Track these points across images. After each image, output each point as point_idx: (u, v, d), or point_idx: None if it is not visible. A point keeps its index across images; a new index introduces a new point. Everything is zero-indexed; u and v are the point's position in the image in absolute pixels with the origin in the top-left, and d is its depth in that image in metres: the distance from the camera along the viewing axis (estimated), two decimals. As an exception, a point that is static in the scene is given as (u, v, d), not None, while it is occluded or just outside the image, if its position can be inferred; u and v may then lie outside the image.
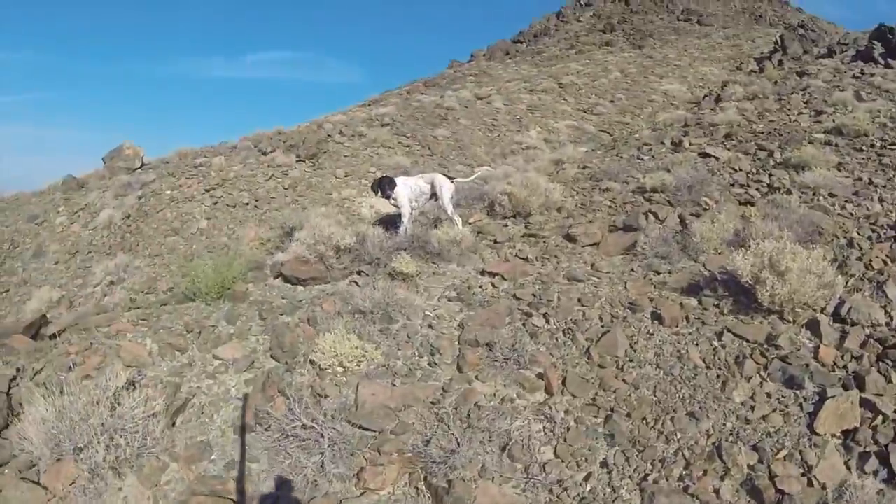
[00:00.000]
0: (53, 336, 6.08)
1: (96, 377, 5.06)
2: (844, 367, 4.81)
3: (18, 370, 5.53)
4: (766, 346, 5.08)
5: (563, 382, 5.00)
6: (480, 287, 6.39)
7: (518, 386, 5.02)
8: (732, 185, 8.28)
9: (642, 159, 9.81)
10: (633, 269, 6.51)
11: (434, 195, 7.72)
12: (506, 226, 7.93)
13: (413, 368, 5.27)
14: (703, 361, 5.04)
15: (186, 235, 12.90)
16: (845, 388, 4.61)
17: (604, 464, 4.30)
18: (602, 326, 5.59)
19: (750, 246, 5.69)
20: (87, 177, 16.48)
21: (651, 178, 8.16)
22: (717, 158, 9.16)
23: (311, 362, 5.30)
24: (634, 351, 5.25)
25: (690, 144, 9.98)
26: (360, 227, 7.70)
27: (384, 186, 7.49)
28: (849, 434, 4.26)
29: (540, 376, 5.06)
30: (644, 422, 4.55)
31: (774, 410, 4.48)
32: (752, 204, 7.28)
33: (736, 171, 8.70)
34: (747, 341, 5.18)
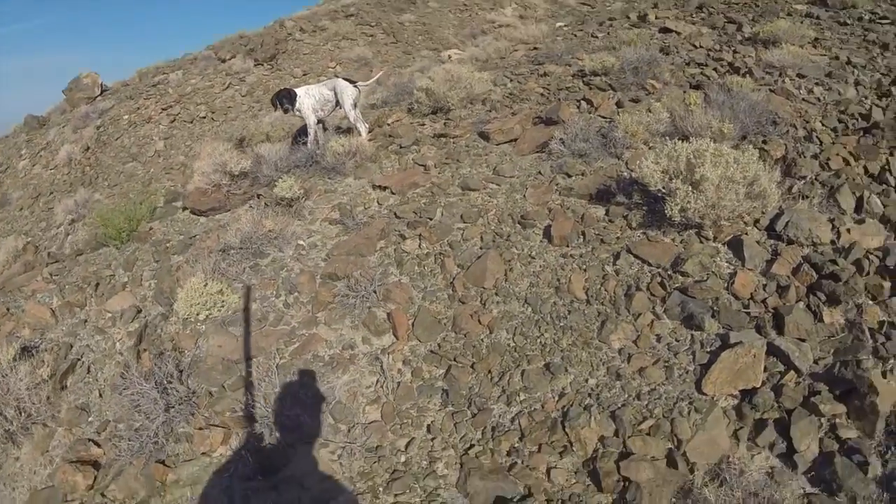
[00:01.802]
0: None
1: (4, 346, 4.26)
2: (764, 301, 3.27)
3: (-54, 341, 4.86)
4: (670, 273, 3.56)
5: (413, 324, 3.75)
6: (364, 205, 4.97)
7: (365, 328, 3.81)
8: (688, 64, 6.08)
9: (596, 37, 7.50)
10: (540, 172, 4.85)
11: (339, 102, 6.09)
12: (422, 125, 6.21)
13: (267, 312, 4.12)
14: (586, 294, 3.61)
15: (144, 160, 11.41)
16: (758, 330, 3.13)
17: (430, 428, 3.18)
18: (480, 249, 4.15)
19: (665, 145, 3.91)
20: (49, 113, 14.73)
21: (592, 59, 6.09)
22: (678, 33, 6.83)
23: (168, 315, 4.28)
24: (507, 281, 3.85)
25: (656, 18, 7.51)
26: (261, 146, 6.24)
27: (282, 100, 5.88)
28: (746, 395, 2.87)
29: (399, 313, 3.84)
30: (489, 376, 3.30)
31: (657, 362, 3.09)
32: (700, 88, 5.22)
33: (695, 48, 6.41)
34: (648, 265, 3.67)
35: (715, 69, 5.77)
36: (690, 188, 3.66)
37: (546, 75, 6.41)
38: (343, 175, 5.53)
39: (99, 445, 3.56)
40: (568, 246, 3.98)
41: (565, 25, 9.23)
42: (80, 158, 11.25)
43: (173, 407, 3.51)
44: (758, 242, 3.62)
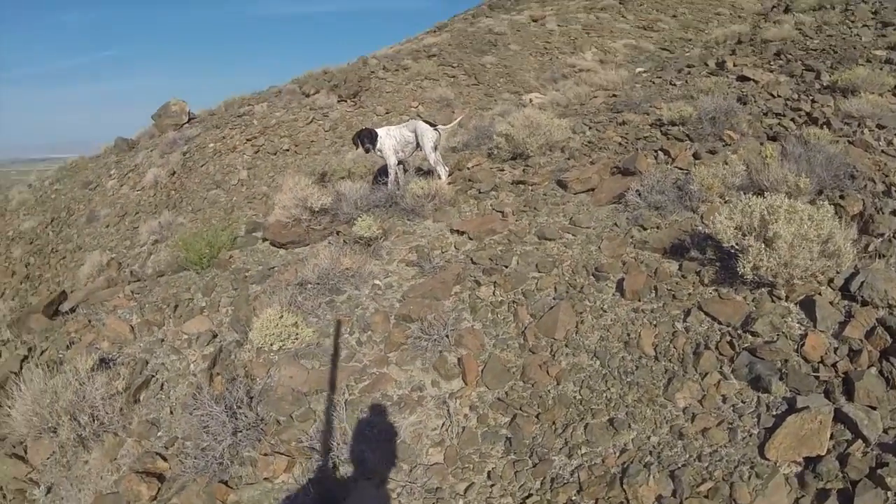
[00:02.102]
0: (68, 312, 6.45)
1: (84, 356, 5.24)
2: (834, 364, 3.53)
3: (30, 350, 5.92)
4: (739, 332, 3.90)
5: (483, 371, 4.25)
6: (442, 249, 5.63)
7: (435, 371, 4.35)
8: (766, 114, 6.40)
9: (674, 85, 7.98)
10: (616, 223, 5.33)
11: (419, 144, 6.90)
12: (501, 170, 6.85)
13: (340, 348, 4.82)
14: (655, 350, 3.98)
15: (227, 188, 12.77)
16: (827, 395, 3.40)
17: (490, 474, 3.59)
18: (553, 299, 4.63)
19: (739, 200, 4.32)
20: (138, 137, 16.61)
21: (670, 109, 6.56)
22: (755, 82, 7.17)
23: (242, 343, 5.07)
24: (577, 333, 4.29)
25: (734, 66, 7.88)
26: (342, 184, 7.14)
27: (364, 139, 6.71)
28: (810, 463, 3.14)
29: (470, 359, 4.38)
30: (553, 427, 3.71)
31: (720, 423, 3.42)
32: (777, 139, 5.58)
33: (773, 97, 6.72)
34: (719, 323, 4.00)
35: (793, 119, 6.08)
36: (763, 245, 4.03)
37: (624, 124, 6.94)
38: (422, 217, 6.22)
39: (165, 459, 4.18)
40: (640, 300, 4.40)
41: (645, 71, 9.78)
42: (165, 182, 12.81)
43: (241, 431, 4.09)
44: (831, 303, 3.86)
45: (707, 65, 8.25)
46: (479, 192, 6.36)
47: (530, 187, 6.25)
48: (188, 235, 6.94)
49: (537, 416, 3.84)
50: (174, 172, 13.06)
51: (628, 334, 4.16)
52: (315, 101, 14.64)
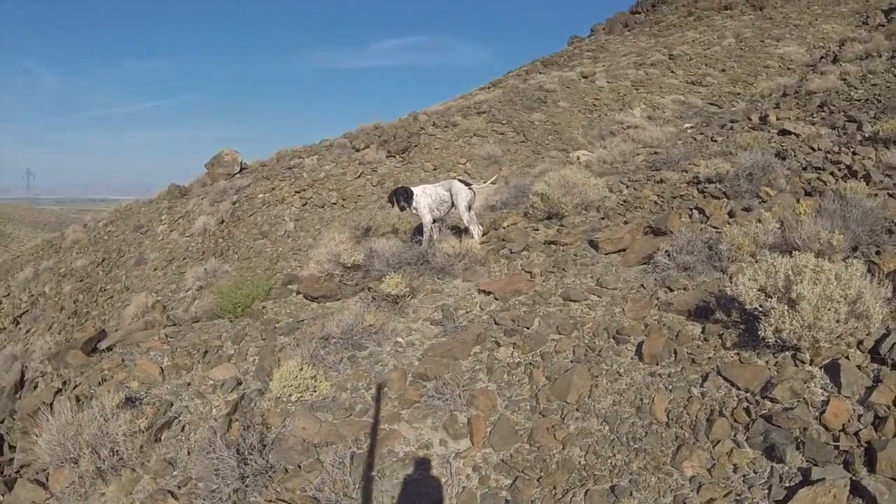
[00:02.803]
0: (105, 350, 7.16)
1: (112, 393, 5.86)
2: (857, 433, 3.50)
3: (65, 383, 6.61)
4: (758, 398, 3.94)
5: (491, 432, 4.39)
6: (467, 308, 5.93)
7: (444, 431, 4.54)
8: (805, 168, 6.42)
9: (715, 141, 8.13)
10: (643, 285, 5.48)
11: (454, 203, 7.34)
12: (536, 230, 7.14)
13: (355, 402, 5.09)
14: (667, 416, 4.05)
15: (274, 238, 13.59)
16: (846, 466, 3.38)
17: (484, 540, 3.74)
18: (571, 362, 4.78)
19: (765, 260, 4.43)
20: (191, 184, 18.00)
21: (707, 166, 6.72)
22: (797, 135, 7.21)
23: (263, 392, 5.49)
24: (590, 397, 4.42)
25: (777, 119, 7.96)
26: (376, 241, 7.65)
27: (399, 197, 7.18)
28: (822, 541, 3.14)
29: (479, 419, 4.58)
30: (553, 491, 3.79)
31: (728, 494, 3.43)
32: (814, 194, 5.63)
33: (813, 150, 6.73)
34: (737, 388, 4.04)
35: (832, 173, 6.09)
36: (787, 307, 4.09)
37: (662, 182, 7.14)
38: (452, 276, 6.54)
39: (176, 498, 4.49)
40: (658, 364, 4.49)
41: (691, 127, 10.00)
42: (214, 230, 13.84)
43: (248, 477, 4.39)
44: (858, 367, 3.83)
45: (750, 119, 8.37)
46: (511, 252, 6.67)
47: (562, 247, 6.51)
48: (225, 285, 7.57)
49: (538, 480, 3.93)
50: (223, 221, 14.09)
51: (641, 399, 4.25)
52: (364, 156, 15.56)
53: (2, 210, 78.14)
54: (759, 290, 4.31)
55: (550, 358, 4.93)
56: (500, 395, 4.76)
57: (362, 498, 4.19)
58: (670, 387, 4.28)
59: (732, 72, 19.79)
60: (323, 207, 13.97)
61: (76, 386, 6.45)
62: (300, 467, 4.59)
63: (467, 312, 5.86)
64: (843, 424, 3.59)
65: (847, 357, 3.98)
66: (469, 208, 7.18)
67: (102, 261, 14.30)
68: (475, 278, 6.40)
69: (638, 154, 8.82)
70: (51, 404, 6.11)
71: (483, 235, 7.44)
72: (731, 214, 5.98)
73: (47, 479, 5.08)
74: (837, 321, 3.99)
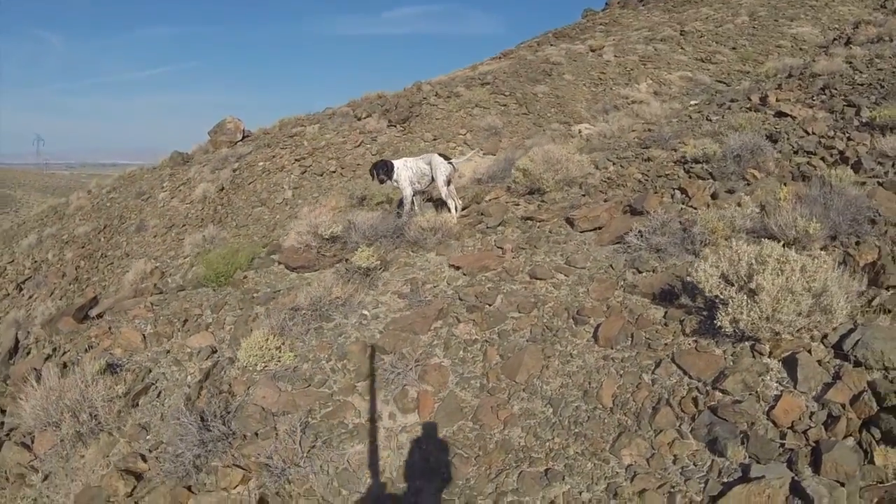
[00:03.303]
0: (95, 317, 7.14)
1: (93, 360, 5.84)
2: (805, 432, 3.28)
3: (55, 349, 6.62)
4: (709, 388, 3.71)
5: (438, 408, 4.25)
6: (434, 283, 5.73)
7: (395, 404, 4.43)
8: (796, 152, 6.02)
9: (710, 120, 7.68)
10: (611, 265, 5.21)
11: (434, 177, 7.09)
12: (517, 205, 6.86)
13: (314, 373, 4.96)
14: (613, 402, 3.85)
15: (272, 206, 13.37)
16: (790, 465, 3.16)
17: (417, 512, 3.60)
18: (527, 341, 4.59)
19: (728, 247, 4.13)
20: (194, 151, 17.73)
21: (695, 146, 6.34)
22: (793, 118, 6.76)
23: (233, 360, 5.41)
24: (539, 378, 4.22)
25: (777, 101, 7.47)
26: (354, 213, 7.44)
27: (379, 170, 6.99)
28: (752, 542, 2.93)
29: (428, 394, 4.41)
30: (487, 471, 3.66)
31: (662, 486, 3.26)
32: (802, 179, 5.24)
33: (807, 134, 6.29)
34: (689, 377, 3.83)
35: (823, 158, 5.71)
36: (746, 297, 3.83)
37: (649, 160, 6.78)
38: (426, 250, 6.35)
39: (146, 461, 4.53)
40: (612, 348, 4.27)
41: (696, 104, 9.53)
42: (214, 197, 13.67)
43: (209, 443, 4.38)
44: (819, 362, 3.60)
45: (750, 99, 7.89)
46: (487, 227, 6.43)
47: (538, 223, 6.25)
48: (212, 254, 7.48)
49: (476, 458, 3.81)
50: (223, 188, 13.92)
51: (590, 383, 4.06)
52: (365, 125, 15.27)
53: (12, 175, 78.65)
54: (720, 277, 4.03)
55: (507, 336, 4.74)
56: (453, 371, 4.60)
57: (308, 466, 4.10)
58: (621, 372, 4.08)
59: (743, 50, 19.00)
60: (322, 175, 13.75)
61: (65, 353, 6.47)
62: (257, 435, 4.55)
63: (434, 287, 5.68)
64: (793, 421, 3.37)
65: (809, 351, 3.74)
66: (448, 182, 6.94)
67: (104, 227, 14.31)
68: (448, 252, 6.20)
69: (633, 130, 8.40)
70: (39, 370, 6.14)
71: (464, 209, 7.20)
72: (713, 196, 5.66)
73: (32, 442, 5.13)
74: (799, 314, 3.72)
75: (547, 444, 3.74)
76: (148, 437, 4.83)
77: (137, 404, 5.27)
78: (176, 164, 16.83)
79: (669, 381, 3.86)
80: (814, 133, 6.32)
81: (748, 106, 7.74)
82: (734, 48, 19.25)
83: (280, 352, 5.22)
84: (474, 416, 4.13)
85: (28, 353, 6.60)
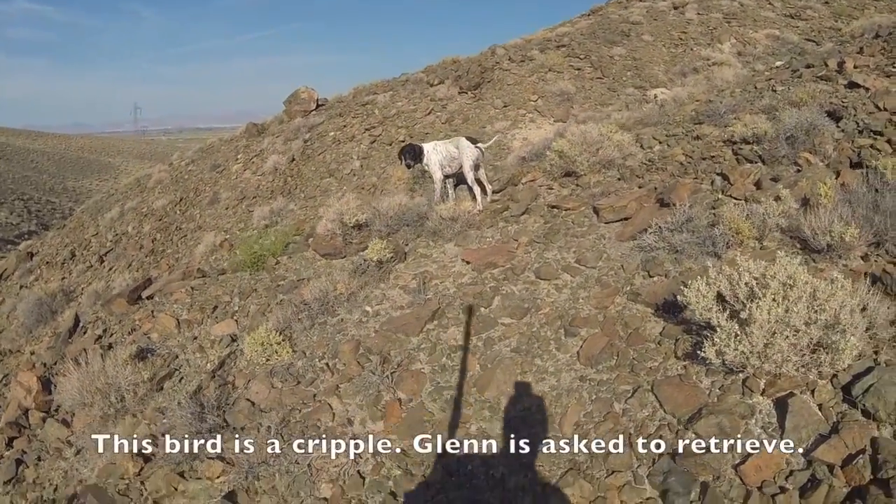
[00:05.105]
0: (145, 299, 7.79)
1: (126, 344, 6.44)
2: (775, 496, 2.84)
3: (105, 330, 7.36)
4: (680, 428, 3.32)
5: (402, 418, 4.19)
6: (440, 279, 5.56)
7: (367, 410, 4.41)
8: (861, 132, 4.98)
9: (775, 91, 6.54)
10: (623, 266, 4.75)
11: None
12: (550, 188, 6.42)
13: (305, 372, 5.05)
14: (573, 431, 3.54)
15: (340, 177, 13.47)
16: (745, 536, 2.76)
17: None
18: (511, 352, 4.36)
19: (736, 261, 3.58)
20: (268, 123, 17.96)
21: (745, 123, 5.49)
22: (865, 90, 5.54)
23: (243, 352, 5.66)
24: (507, 396, 3.98)
25: (855, 67, 6.15)
26: (380, 199, 7.36)
27: (406, 156, 6.82)
28: None
29: (398, 403, 4.35)
30: (429, 494, 3.56)
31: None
32: (866, 167, 4.33)
33: (879, 109, 5.13)
34: (664, 411, 3.45)
35: (889, 141, 4.71)
36: (737, 327, 3.33)
37: (698, 138, 6.01)
38: (445, 240, 6.19)
39: (156, 445, 4.89)
40: (593, 367, 3.92)
41: (780, 66, 8.26)
42: (284, 168, 14.06)
43: (203, 433, 4.65)
44: (821, 406, 3.11)
45: (826, 65, 6.60)
46: (510, 216, 6.11)
47: (564, 212, 5.83)
48: (249, 237, 7.85)
49: (422, 477, 3.73)
50: (293, 159, 14.23)
51: (556, 407, 3.78)
52: (436, 93, 15.05)
53: (111, 143, 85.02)
54: (716, 297, 3.54)
55: (492, 345, 4.54)
56: (431, 379, 4.49)
57: (276, 465, 4.25)
58: (593, 397, 3.77)
59: (837, 5, 16.47)
60: (391, 145, 13.66)
61: (112, 335, 7.15)
62: (242, 429, 4.75)
63: (440, 283, 5.53)
64: (763, 481, 2.95)
65: (812, 391, 3.23)
66: (476, 167, 6.67)
67: (180, 200, 15.31)
68: (465, 243, 6.00)
69: (697, 100, 7.46)
70: (87, 350, 6.86)
71: (498, 192, 6.93)
72: (757, 185, 4.94)
73: (72, 419, 5.75)
74: (797, 351, 3.18)
75: (491, 472, 3.58)
76: (164, 421, 5.17)
77: (162, 388, 5.70)
78: (251, 136, 17.45)
79: (641, 413, 3.51)
80: (885, 109, 5.24)
81: (821, 74, 6.58)
82: (826, 2, 16.87)
83: (280, 346, 5.39)
84: (433, 432, 4.03)
85: (84, 333, 7.36)
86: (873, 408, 2.98)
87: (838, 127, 5.27)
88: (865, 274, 3.74)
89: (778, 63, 9.00)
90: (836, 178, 4.46)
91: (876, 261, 3.78)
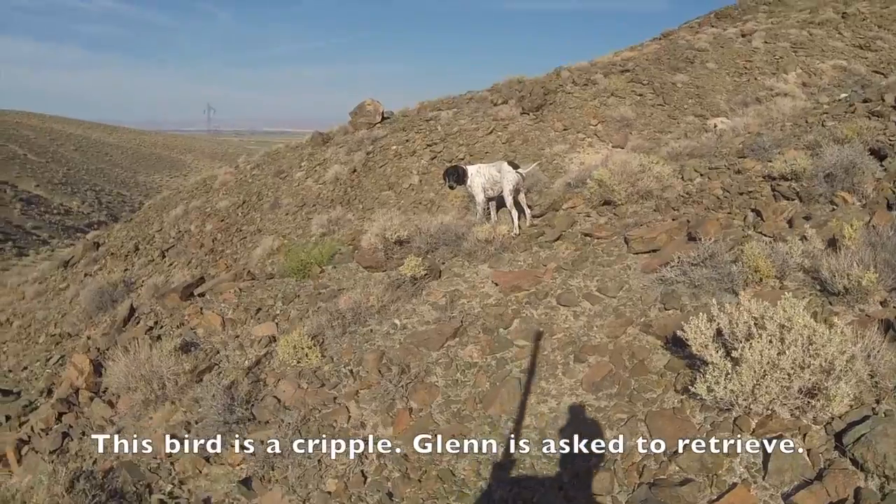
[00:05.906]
0: (197, 296, 8.43)
1: (174, 338, 7.03)
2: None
3: (156, 322, 8.03)
4: (664, 459, 3.41)
5: (409, 427, 4.47)
6: (468, 298, 5.81)
7: (380, 416, 4.71)
8: None
9: (824, 125, 6.35)
10: (641, 298, 4.84)
11: None
12: (588, 216, 6.55)
13: (331, 376, 5.42)
14: (565, 457, 3.73)
15: (399, 191, 13.93)
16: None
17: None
18: (521, 373, 4.56)
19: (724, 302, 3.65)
20: (334, 132, 18.33)
21: (785, 160, 5.43)
22: None
23: (277, 353, 6.09)
24: (508, 414, 4.18)
25: None
26: (421, 218, 7.66)
27: (449, 177, 7.16)
28: None
29: (409, 412, 4.66)
30: (420, 497, 3.84)
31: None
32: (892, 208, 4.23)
33: None
34: (652, 442, 3.54)
35: None
36: (730, 365, 3.40)
37: (739, 172, 5.99)
38: (480, 261, 6.44)
39: (189, 431, 5.39)
40: (594, 394, 4.07)
41: (844, 98, 7.99)
42: (345, 179, 14.60)
43: (231, 423, 5.12)
44: (809, 452, 3.14)
45: (883, 100, 6.40)
46: (544, 242, 6.32)
47: (595, 240, 5.98)
48: (296, 245, 8.34)
49: (419, 481, 3.98)
50: (355, 170, 14.77)
51: (550, 430, 3.96)
52: (499, 112, 15.35)
53: (184, 141, 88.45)
54: (715, 334, 3.62)
55: (503, 364, 4.74)
56: (443, 393, 4.74)
57: (290, 459, 4.60)
58: (588, 422, 3.89)
59: None
60: (451, 162, 13.91)
61: (162, 327, 7.79)
62: (266, 423, 5.16)
63: (468, 302, 5.79)
64: (735, 527, 2.99)
65: (803, 436, 3.27)
66: (516, 192, 6.91)
67: (243, 203, 16.10)
68: (498, 265, 6.24)
69: (748, 133, 7.37)
70: (138, 340, 7.52)
71: (539, 217, 7.13)
72: (790, 223, 4.91)
73: (116, 401, 6.35)
74: (788, 395, 3.23)
75: (480, 483, 3.78)
76: (199, 410, 5.62)
77: (201, 380, 6.17)
78: (315, 145, 18.04)
79: (630, 441, 3.62)
80: (932, 150, 5.10)
81: (876, 109, 6.39)
82: (898, 33, 16.10)
83: (310, 350, 5.78)
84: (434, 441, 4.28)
85: (138, 323, 8.05)
86: (862, 458, 2.99)
87: (881, 166, 5.17)
88: (881, 320, 3.71)
89: (843, 95, 8.78)
90: (870, 220, 4.40)
91: (837, 321, 3.73)
